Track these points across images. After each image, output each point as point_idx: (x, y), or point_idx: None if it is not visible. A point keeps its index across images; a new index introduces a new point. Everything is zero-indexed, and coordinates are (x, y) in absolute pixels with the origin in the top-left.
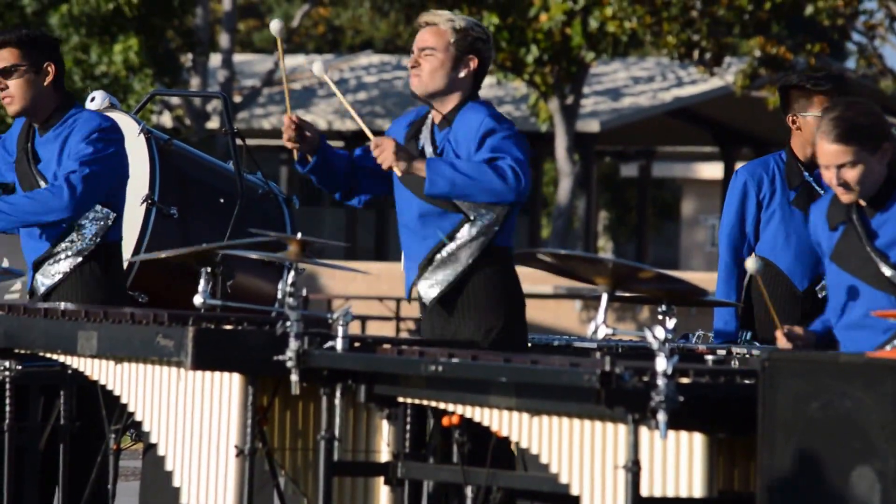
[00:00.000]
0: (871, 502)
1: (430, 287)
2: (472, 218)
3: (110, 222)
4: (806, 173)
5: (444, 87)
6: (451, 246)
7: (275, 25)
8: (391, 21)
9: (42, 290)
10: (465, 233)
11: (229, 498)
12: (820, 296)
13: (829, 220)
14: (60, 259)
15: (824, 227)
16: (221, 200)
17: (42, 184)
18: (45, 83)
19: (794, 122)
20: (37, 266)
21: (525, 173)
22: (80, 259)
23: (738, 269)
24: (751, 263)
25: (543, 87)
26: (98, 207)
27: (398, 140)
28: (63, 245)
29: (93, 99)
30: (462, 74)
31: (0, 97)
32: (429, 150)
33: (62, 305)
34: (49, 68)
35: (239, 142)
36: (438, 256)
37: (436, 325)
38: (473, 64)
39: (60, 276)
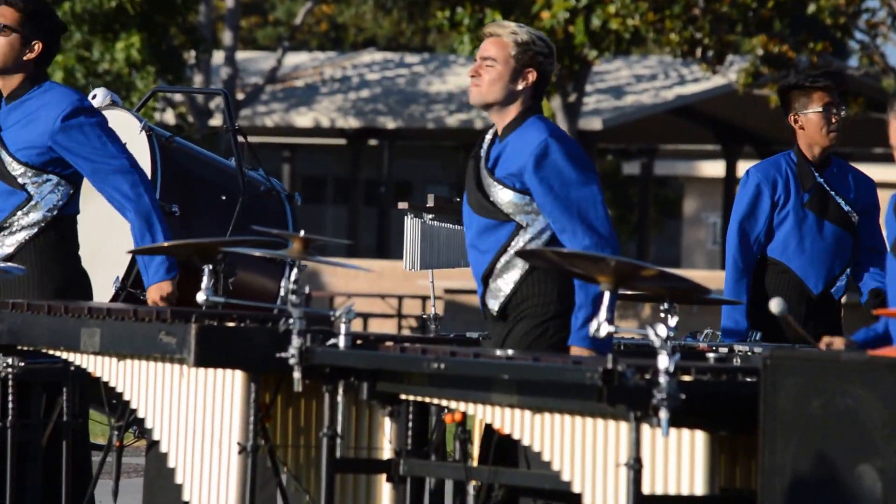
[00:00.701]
0: (872, 500)
1: (494, 298)
2: (524, 225)
3: (69, 196)
4: (817, 174)
5: (502, 99)
6: (507, 255)
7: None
8: (394, 18)
9: None
10: (519, 240)
11: (231, 495)
12: (836, 298)
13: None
14: (15, 230)
15: (891, 218)
16: (223, 198)
17: (3, 154)
18: (26, 57)
19: (796, 121)
20: None
21: (606, 226)
22: (35, 230)
23: (747, 270)
24: (775, 306)
25: None
26: (56, 180)
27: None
28: (18, 215)
29: (94, 96)
30: (520, 87)
31: None
32: (482, 164)
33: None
34: (35, 46)
35: (241, 139)
36: (497, 267)
37: (497, 332)
38: (532, 77)
39: (15, 246)
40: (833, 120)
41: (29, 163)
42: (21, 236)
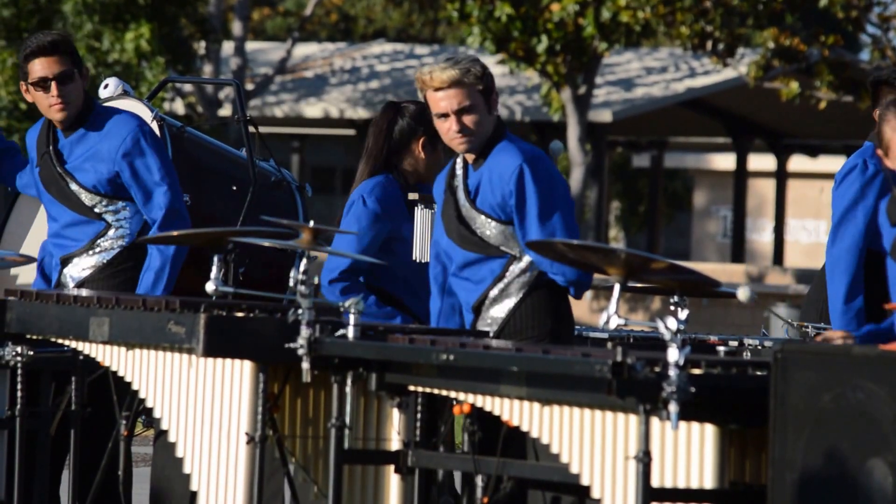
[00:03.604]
0: (882, 494)
1: (486, 327)
2: (517, 255)
3: (143, 223)
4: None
5: (488, 132)
6: (501, 284)
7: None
8: (404, 10)
9: (71, 283)
10: (514, 269)
11: (240, 485)
12: None
13: (891, 216)
14: (92, 254)
15: (884, 221)
16: (234, 188)
17: (72, 185)
18: (85, 87)
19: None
20: (65, 261)
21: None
22: (111, 255)
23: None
24: (743, 294)
25: (556, 76)
26: (132, 207)
27: (438, 195)
28: (98, 241)
29: (106, 86)
30: (493, 112)
31: (54, 103)
32: (461, 195)
33: (74, 291)
34: (85, 73)
35: (252, 129)
36: (491, 296)
37: None
38: (496, 98)
39: (90, 270)
40: None
41: (101, 192)
42: (97, 259)
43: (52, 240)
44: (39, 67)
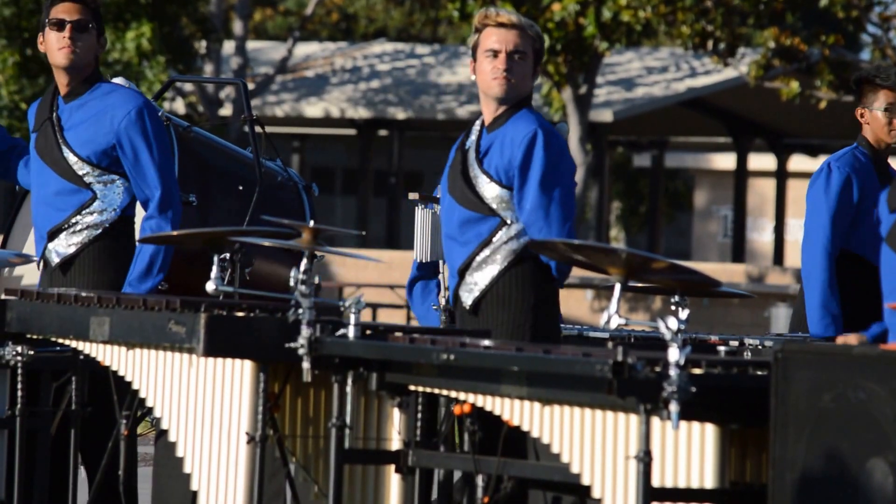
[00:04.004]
0: (883, 494)
1: (468, 291)
2: (508, 222)
3: (131, 197)
4: (891, 169)
5: (526, 93)
6: (488, 250)
7: None
8: (405, 9)
9: (56, 260)
10: (502, 235)
11: (240, 484)
12: None
13: (890, 202)
14: (78, 229)
15: (884, 210)
16: (240, 188)
17: (65, 151)
18: (97, 53)
19: (862, 115)
20: (52, 235)
21: (565, 227)
22: (98, 231)
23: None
24: None
25: (556, 76)
26: (122, 181)
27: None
28: (81, 214)
29: None
30: (534, 80)
31: (64, 45)
32: (472, 154)
33: (73, 291)
34: (103, 41)
35: (258, 129)
36: (476, 260)
37: (468, 326)
38: (538, 71)
39: (76, 247)
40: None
41: (94, 162)
42: (84, 236)
43: (38, 209)
44: (61, 10)
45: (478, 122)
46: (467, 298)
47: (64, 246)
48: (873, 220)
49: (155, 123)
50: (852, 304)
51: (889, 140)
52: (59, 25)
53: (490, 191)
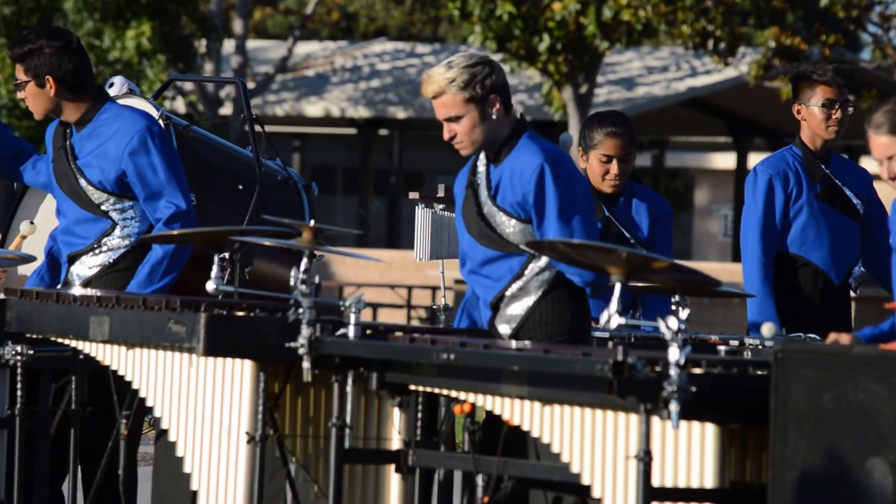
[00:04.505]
0: (883, 494)
1: (505, 322)
2: (536, 254)
3: (149, 224)
4: (823, 166)
5: (489, 135)
6: (520, 282)
7: None
8: (405, 8)
9: (77, 282)
10: (533, 268)
11: (240, 484)
12: (854, 288)
13: None
14: (98, 253)
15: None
16: (240, 187)
17: (81, 181)
18: (51, 95)
19: (799, 112)
20: (72, 259)
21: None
22: (118, 254)
23: (771, 266)
24: (767, 330)
25: (557, 75)
26: (137, 204)
27: (459, 192)
28: (104, 240)
29: (111, 84)
30: (494, 115)
31: (23, 97)
32: (483, 192)
33: (78, 291)
34: (48, 80)
35: (258, 128)
36: (508, 294)
37: None
38: (496, 100)
39: (96, 269)
40: (833, 116)
41: (109, 189)
42: (104, 258)
43: (61, 236)
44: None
45: (482, 156)
46: (505, 329)
47: (85, 269)
48: (806, 218)
49: (160, 144)
50: (793, 303)
51: (826, 136)
52: (17, 87)
53: (511, 227)
